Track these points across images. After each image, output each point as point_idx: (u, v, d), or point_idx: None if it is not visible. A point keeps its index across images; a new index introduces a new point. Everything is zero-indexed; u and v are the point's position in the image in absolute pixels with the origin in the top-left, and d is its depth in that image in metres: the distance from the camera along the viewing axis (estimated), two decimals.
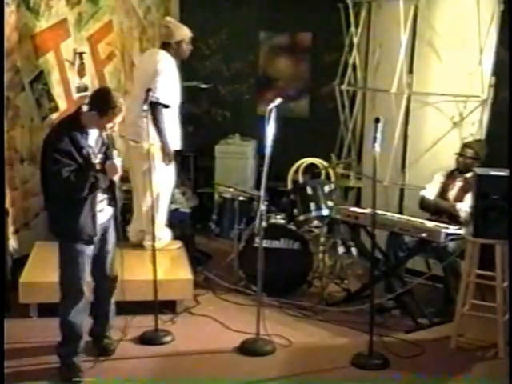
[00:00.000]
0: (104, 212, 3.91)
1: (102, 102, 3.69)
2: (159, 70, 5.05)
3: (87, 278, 3.92)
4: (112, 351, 4.18)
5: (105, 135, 3.84)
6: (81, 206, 3.73)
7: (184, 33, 5.26)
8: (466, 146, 5.22)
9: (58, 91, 5.66)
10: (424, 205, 5.24)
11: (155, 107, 4.85)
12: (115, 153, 3.79)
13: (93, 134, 3.78)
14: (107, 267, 4.07)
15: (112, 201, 3.95)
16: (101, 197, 3.85)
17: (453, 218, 4.99)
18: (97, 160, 3.79)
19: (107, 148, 3.85)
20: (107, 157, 3.82)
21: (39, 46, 5.41)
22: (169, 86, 5.08)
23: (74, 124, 3.72)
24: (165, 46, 5.22)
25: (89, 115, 3.71)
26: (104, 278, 4.08)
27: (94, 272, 4.03)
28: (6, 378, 3.58)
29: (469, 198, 4.77)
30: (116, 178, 3.82)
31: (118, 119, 3.76)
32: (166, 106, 4.94)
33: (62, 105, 5.73)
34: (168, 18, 5.48)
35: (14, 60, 5.13)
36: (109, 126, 3.75)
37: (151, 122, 4.75)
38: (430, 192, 5.26)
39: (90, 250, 3.87)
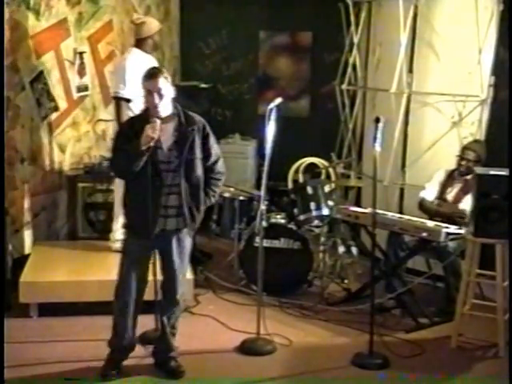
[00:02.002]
0: (169, 218, 3.76)
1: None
2: (120, 66, 5.13)
3: (135, 279, 3.80)
4: (182, 374, 3.95)
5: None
6: (142, 194, 3.65)
7: (152, 27, 5.21)
8: (467, 148, 5.10)
9: (58, 91, 5.67)
10: (424, 207, 5.15)
11: (115, 102, 4.96)
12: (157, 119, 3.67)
13: (166, 130, 3.71)
14: (169, 285, 3.91)
15: (181, 210, 3.76)
16: (165, 200, 3.71)
17: (453, 221, 4.82)
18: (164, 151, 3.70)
19: (190, 146, 3.76)
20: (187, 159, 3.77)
21: (39, 46, 5.41)
22: (133, 81, 4.93)
23: (141, 115, 3.81)
24: (137, 42, 5.20)
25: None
26: (166, 299, 3.96)
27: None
28: (5, 377, 3.58)
29: (468, 199, 4.70)
30: (155, 136, 3.60)
31: (157, 84, 3.62)
32: (128, 100, 4.95)
33: (62, 104, 5.74)
34: (135, 15, 5.47)
35: (14, 60, 5.13)
36: (154, 100, 3.63)
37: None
38: (430, 193, 5.20)
39: (145, 248, 3.81)
